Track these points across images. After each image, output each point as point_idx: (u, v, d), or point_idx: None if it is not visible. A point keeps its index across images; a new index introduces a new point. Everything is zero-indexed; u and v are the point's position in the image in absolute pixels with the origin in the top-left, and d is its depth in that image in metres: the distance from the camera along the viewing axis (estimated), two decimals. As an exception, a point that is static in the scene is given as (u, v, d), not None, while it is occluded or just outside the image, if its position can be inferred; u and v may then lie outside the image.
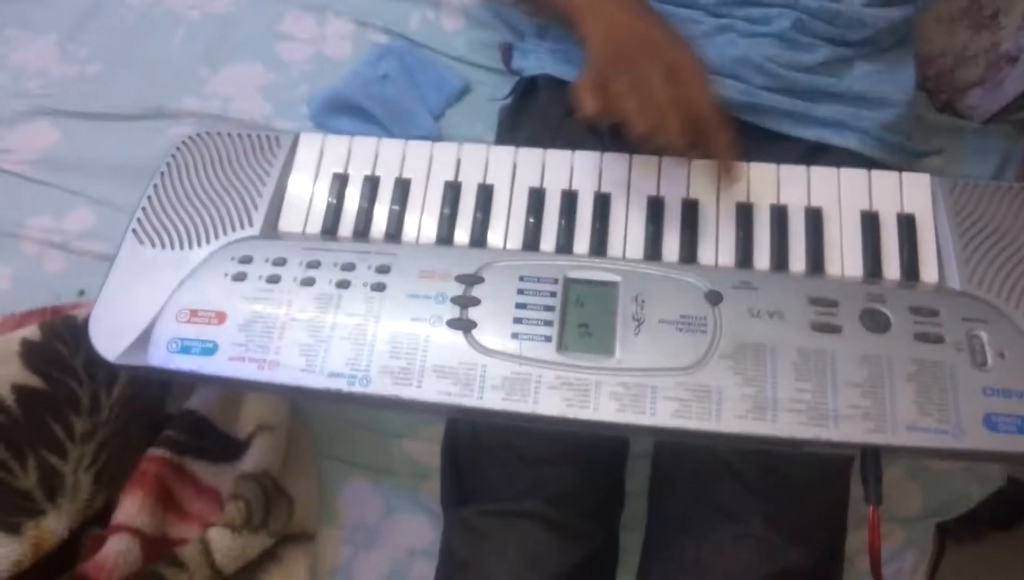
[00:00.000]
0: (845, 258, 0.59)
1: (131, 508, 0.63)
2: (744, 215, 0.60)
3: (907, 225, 0.60)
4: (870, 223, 0.60)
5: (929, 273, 0.59)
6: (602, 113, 0.55)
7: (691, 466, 0.64)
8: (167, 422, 0.68)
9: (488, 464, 0.65)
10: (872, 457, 0.52)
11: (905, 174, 0.62)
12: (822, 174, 0.62)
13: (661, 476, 0.68)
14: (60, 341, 0.67)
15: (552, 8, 0.68)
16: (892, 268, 0.59)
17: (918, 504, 0.74)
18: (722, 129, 0.56)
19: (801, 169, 0.62)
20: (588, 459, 0.65)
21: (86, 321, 0.62)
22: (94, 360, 0.59)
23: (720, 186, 0.61)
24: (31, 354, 0.66)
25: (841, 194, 0.61)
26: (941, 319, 0.55)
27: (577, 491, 0.64)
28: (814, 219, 0.60)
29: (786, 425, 0.51)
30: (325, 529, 0.73)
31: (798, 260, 0.59)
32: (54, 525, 0.62)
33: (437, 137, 0.87)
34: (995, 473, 0.76)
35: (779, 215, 0.60)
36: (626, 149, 0.63)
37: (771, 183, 0.62)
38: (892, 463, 0.73)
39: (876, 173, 0.62)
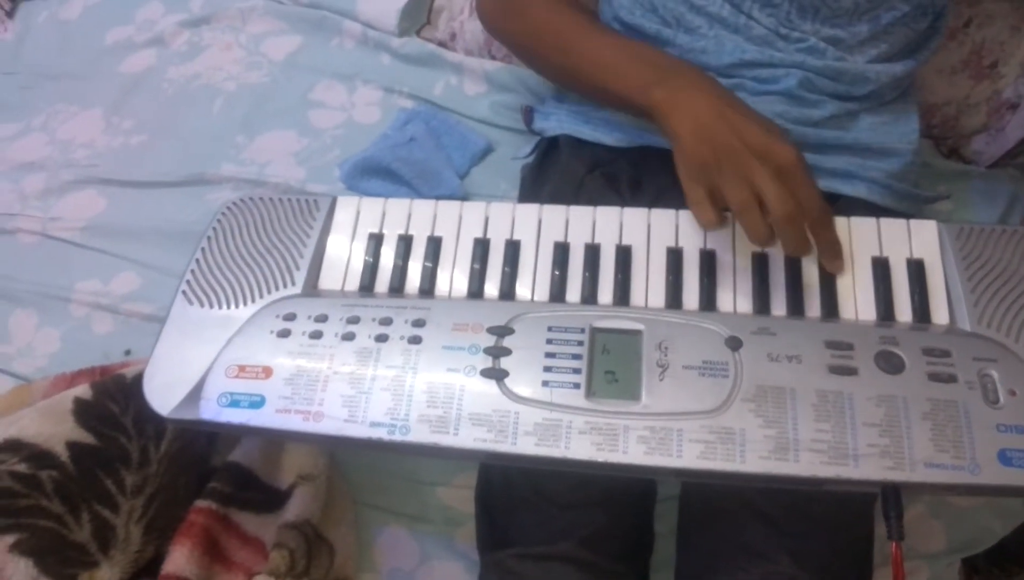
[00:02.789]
0: (859, 303, 0.62)
1: (180, 558, 0.66)
2: (760, 264, 0.63)
3: (916, 270, 0.62)
4: (881, 269, 0.62)
5: (940, 315, 0.61)
6: (720, 225, 0.60)
7: (718, 507, 0.65)
8: (212, 474, 0.71)
9: (521, 509, 0.67)
10: (893, 494, 0.54)
11: (913, 221, 0.64)
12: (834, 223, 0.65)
13: (689, 518, 0.70)
14: (110, 399, 0.71)
15: (622, 105, 0.69)
16: (904, 311, 0.61)
17: (942, 540, 0.75)
18: (827, 227, 0.59)
19: (813, 220, 0.65)
20: (618, 502, 0.67)
21: (134, 379, 0.66)
22: (143, 416, 0.63)
23: (734, 235, 0.64)
24: (83, 412, 0.69)
25: (852, 242, 0.64)
26: (953, 359, 0.57)
27: (608, 533, 0.65)
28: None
29: (808, 464, 0.54)
30: (363, 575, 0.75)
31: (813, 306, 0.62)
32: (107, 576, 0.65)
33: (463, 195, 0.91)
34: (1017, 508, 0.77)
35: (793, 263, 0.63)
36: (645, 203, 0.67)
37: (784, 233, 0.65)
38: (915, 500, 0.74)
39: (885, 221, 0.64)
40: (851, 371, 0.57)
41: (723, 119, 0.59)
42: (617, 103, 0.69)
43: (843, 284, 0.62)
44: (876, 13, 0.71)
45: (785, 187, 0.56)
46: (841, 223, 0.64)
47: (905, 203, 0.73)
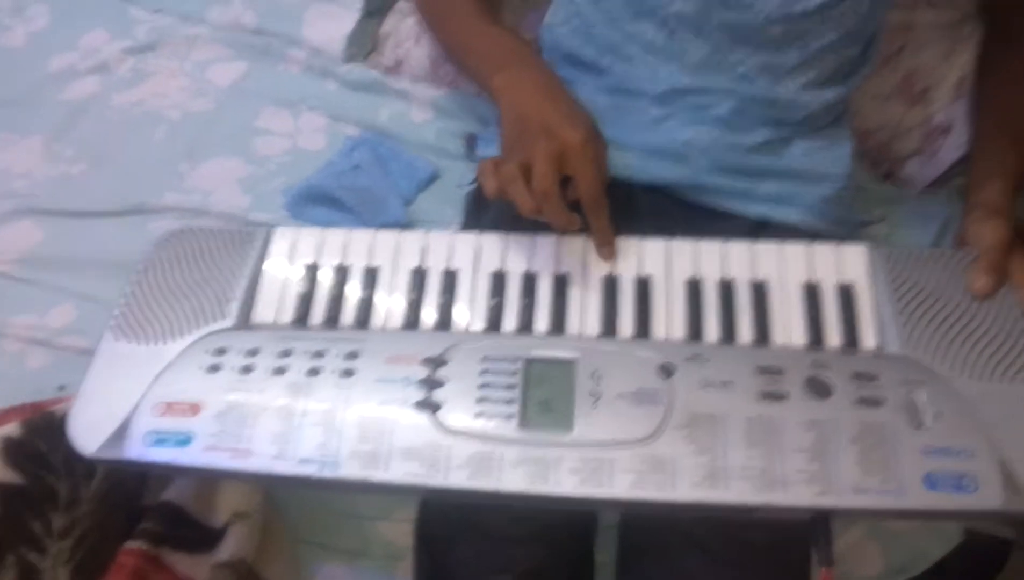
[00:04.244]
0: (790, 328, 0.63)
1: (110, 601, 0.64)
2: (693, 290, 0.64)
3: (846, 294, 0.63)
4: (811, 294, 0.63)
5: (869, 339, 0.62)
6: (497, 194, 0.62)
7: (656, 537, 0.65)
8: (144, 514, 0.69)
9: (459, 543, 0.66)
10: (821, 520, 0.54)
11: (843, 246, 0.65)
12: (765, 249, 0.65)
13: (628, 548, 0.69)
14: (40, 437, 0.69)
15: (481, 87, 0.75)
16: (834, 336, 0.62)
17: (879, 564, 0.75)
18: (596, 209, 0.62)
19: (746, 244, 0.66)
20: (557, 534, 0.67)
21: (64, 416, 0.64)
22: (73, 455, 0.61)
23: (671, 263, 0.65)
24: (12, 451, 0.67)
25: (784, 267, 0.65)
26: (881, 383, 0.57)
27: (547, 566, 0.65)
28: (759, 292, 0.63)
29: (738, 492, 0.54)
30: (303, 613, 0.74)
31: (745, 332, 0.62)
32: (33, 621, 0.63)
33: (408, 222, 0.91)
34: (953, 529, 0.78)
35: (726, 289, 0.64)
36: (583, 232, 0.67)
37: (717, 259, 0.65)
38: (852, 524, 0.75)
39: (816, 246, 0.65)
40: (781, 397, 0.57)
41: (535, 105, 0.65)
42: (479, 85, 0.77)
43: (774, 309, 0.63)
44: (805, 41, 0.72)
45: (552, 166, 0.60)
46: (772, 248, 0.66)
47: (840, 227, 0.74)
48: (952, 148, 0.89)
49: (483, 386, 0.59)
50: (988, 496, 0.53)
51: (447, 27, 0.84)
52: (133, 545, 0.66)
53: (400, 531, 0.74)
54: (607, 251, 0.64)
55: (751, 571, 0.62)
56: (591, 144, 0.62)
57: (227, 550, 0.67)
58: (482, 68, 0.73)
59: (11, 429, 0.68)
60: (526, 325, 0.64)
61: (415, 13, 1.01)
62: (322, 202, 0.93)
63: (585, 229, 0.64)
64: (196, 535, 0.69)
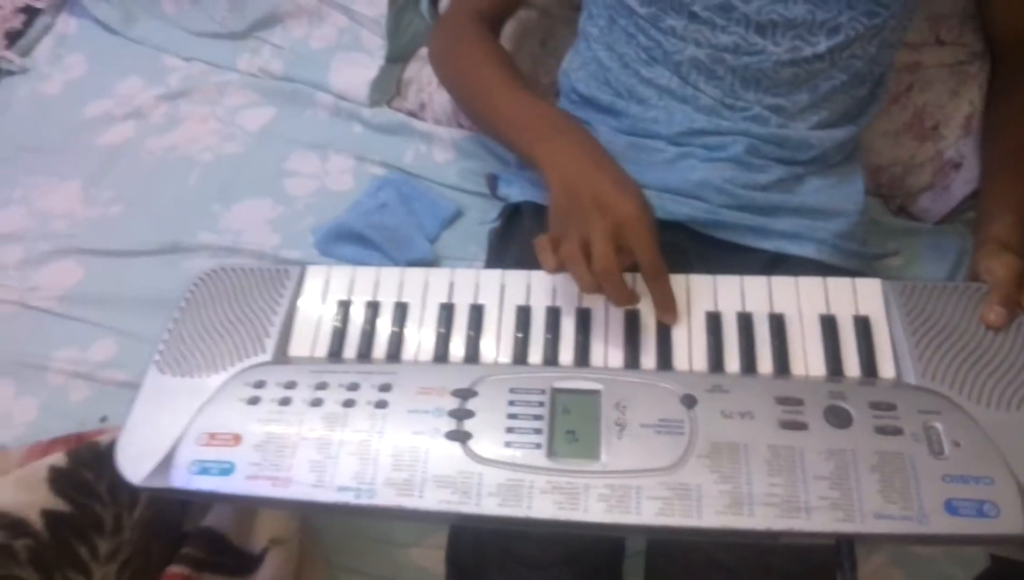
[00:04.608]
0: (808, 359, 0.64)
1: (152, 625, 0.66)
2: (713, 323, 0.66)
3: (863, 326, 0.65)
4: (829, 326, 0.65)
5: (886, 369, 0.63)
6: (556, 271, 0.64)
7: (682, 562, 0.67)
8: (185, 540, 0.72)
9: (490, 568, 0.68)
10: (846, 545, 0.56)
11: (858, 280, 0.67)
12: (782, 283, 0.67)
13: (654, 573, 0.71)
14: (85, 467, 0.71)
15: (517, 154, 0.76)
16: (852, 366, 0.64)
17: (903, 590, 0.76)
18: (658, 279, 0.64)
19: (762, 279, 0.68)
20: (586, 560, 0.68)
21: (109, 446, 0.67)
22: (117, 483, 0.63)
23: (689, 297, 0.67)
24: (58, 480, 0.70)
25: (800, 301, 0.67)
26: (899, 412, 0.59)
27: (576, 592, 0.67)
28: (777, 325, 0.65)
29: (762, 518, 0.55)
30: (336, 640, 0.75)
31: (765, 363, 0.64)
32: (79, 646, 0.65)
33: (433, 259, 0.94)
34: (978, 555, 0.78)
35: (745, 322, 0.66)
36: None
37: (736, 293, 0.67)
38: (876, 550, 0.76)
39: (831, 280, 0.67)
40: (801, 426, 0.59)
41: (585, 175, 0.65)
42: (514, 152, 0.77)
43: (793, 341, 0.65)
44: (815, 83, 0.75)
45: (611, 243, 0.61)
46: (789, 282, 0.68)
47: (853, 261, 0.76)
48: (963, 182, 0.91)
49: (511, 416, 0.61)
50: (1010, 521, 0.54)
51: (473, 92, 0.82)
52: (175, 569, 0.69)
53: (432, 557, 0.75)
54: (670, 317, 0.65)
55: (775, 597, 0.63)
56: (645, 214, 0.63)
57: (265, 575, 0.69)
58: (520, 137, 0.73)
59: (57, 459, 0.71)
60: (551, 358, 0.66)
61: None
62: (350, 240, 0.96)
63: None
64: (235, 560, 0.71)
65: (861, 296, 0.67)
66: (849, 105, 0.78)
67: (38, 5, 1.27)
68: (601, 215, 0.62)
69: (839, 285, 0.67)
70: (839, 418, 0.59)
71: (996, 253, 0.67)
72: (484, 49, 0.83)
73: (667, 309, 0.65)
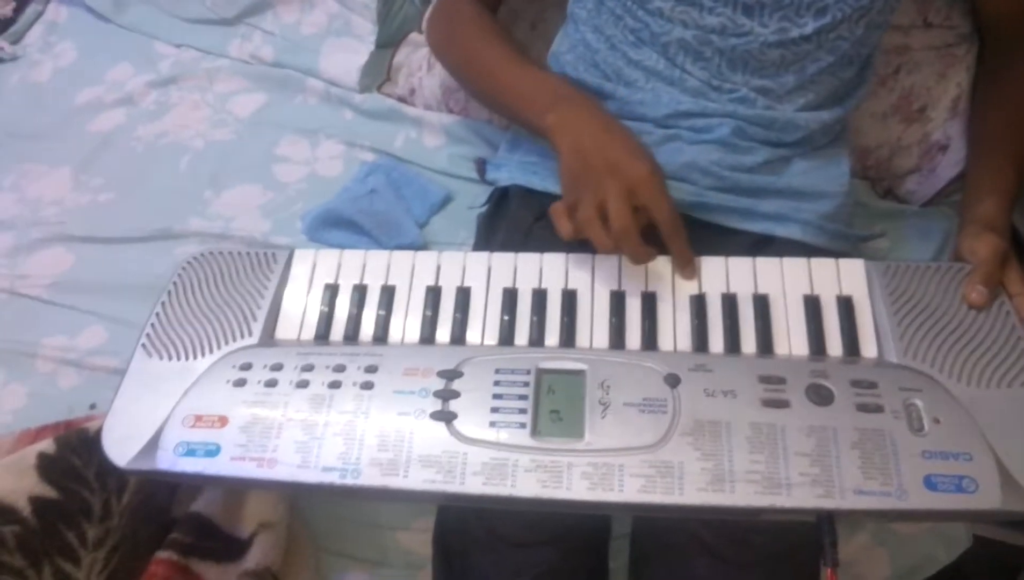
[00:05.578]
0: (792, 339, 0.65)
1: (141, 609, 0.67)
2: (698, 304, 0.66)
3: (845, 306, 0.65)
4: (812, 306, 0.66)
5: (869, 349, 0.64)
6: (575, 236, 0.65)
7: (666, 542, 0.67)
8: (174, 525, 0.72)
9: (476, 550, 0.68)
10: (826, 521, 0.56)
11: (841, 260, 0.68)
12: (766, 264, 0.68)
13: (639, 553, 0.71)
14: (73, 453, 0.72)
15: (526, 127, 0.77)
16: (835, 346, 0.64)
17: (887, 568, 0.77)
18: (676, 234, 0.65)
19: (747, 260, 0.68)
20: (571, 540, 0.68)
21: (97, 433, 0.67)
22: (105, 469, 0.64)
23: (674, 278, 0.67)
24: (47, 467, 0.70)
25: (784, 281, 0.67)
26: (880, 390, 0.60)
27: (562, 571, 0.67)
28: (761, 305, 0.66)
29: (743, 495, 0.56)
30: (325, 622, 0.76)
31: (749, 343, 0.65)
32: (68, 629, 0.65)
33: (423, 244, 0.94)
34: (961, 534, 0.79)
35: (730, 303, 0.66)
36: (589, 250, 0.70)
37: (721, 274, 0.68)
38: (860, 529, 0.76)
39: (815, 261, 0.68)
40: (783, 404, 0.59)
41: (595, 140, 0.67)
42: (524, 124, 0.77)
43: (777, 321, 0.65)
44: (802, 64, 0.75)
45: (627, 203, 0.63)
46: (773, 263, 0.68)
47: (839, 243, 0.76)
48: (950, 165, 0.91)
49: (496, 396, 0.61)
50: (988, 497, 0.55)
51: (480, 71, 0.82)
52: (163, 555, 0.69)
53: (419, 540, 0.76)
54: (689, 272, 0.67)
55: (759, 574, 0.64)
56: (658, 173, 0.65)
57: (253, 559, 0.69)
58: (528, 109, 0.74)
59: (46, 445, 0.71)
60: (537, 339, 0.66)
61: (426, 45, 1.05)
62: (339, 226, 0.96)
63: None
64: (223, 545, 0.72)
65: (844, 276, 0.67)
66: (836, 87, 0.78)
67: (28, -8, 1.27)
68: (615, 178, 0.64)
69: (823, 266, 0.68)
70: (821, 396, 0.60)
71: (979, 233, 0.68)
72: (484, 28, 0.84)
73: (686, 263, 0.67)
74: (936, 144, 0.92)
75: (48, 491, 0.69)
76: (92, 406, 0.84)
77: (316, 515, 0.78)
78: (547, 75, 0.78)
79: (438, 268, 0.71)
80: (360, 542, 0.77)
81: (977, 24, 0.90)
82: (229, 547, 0.72)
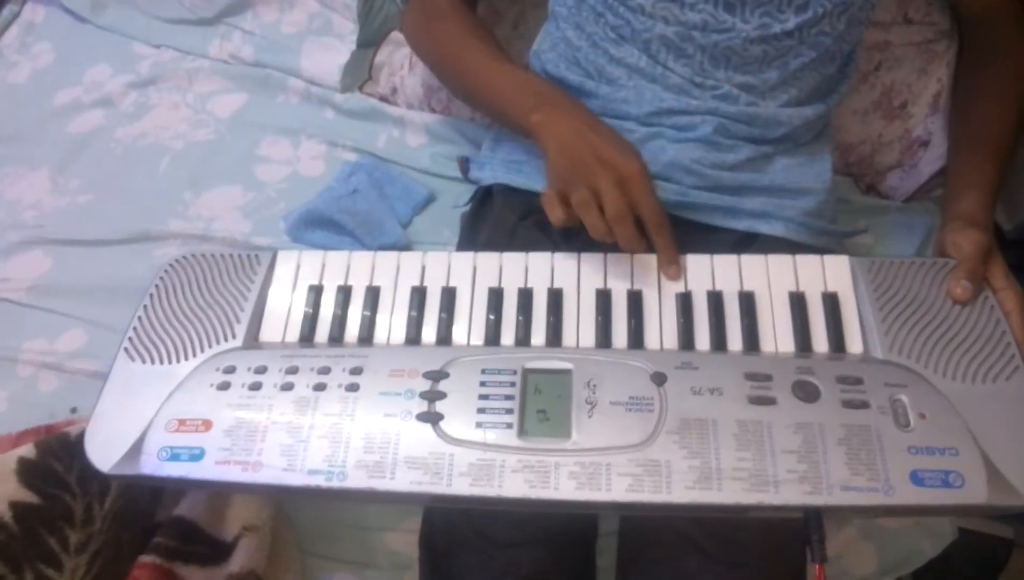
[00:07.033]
0: (778, 336, 0.65)
1: (124, 615, 0.66)
2: (684, 302, 0.66)
3: (831, 303, 0.66)
4: (797, 303, 0.66)
5: (854, 345, 0.64)
6: (567, 222, 0.66)
7: (653, 540, 0.67)
8: (157, 529, 0.71)
9: (463, 551, 0.68)
10: (814, 518, 0.56)
11: (826, 257, 0.68)
12: (751, 261, 0.68)
13: (627, 552, 0.71)
14: (54, 458, 0.71)
15: (509, 125, 0.77)
16: (821, 342, 0.64)
17: (873, 562, 0.77)
18: (662, 230, 0.66)
19: (732, 258, 0.68)
20: (558, 540, 0.68)
21: (79, 437, 0.66)
22: (87, 474, 0.63)
23: (660, 276, 0.67)
24: (27, 472, 0.69)
25: (770, 278, 0.67)
26: (865, 386, 0.60)
27: (550, 571, 0.67)
28: (747, 302, 0.66)
29: (731, 492, 0.56)
30: (312, 625, 0.75)
31: (735, 340, 0.65)
32: (50, 636, 0.65)
33: (406, 243, 0.94)
34: (946, 528, 0.80)
35: (715, 300, 0.66)
36: (575, 248, 0.70)
37: (706, 272, 0.68)
38: (846, 524, 0.77)
39: (800, 257, 0.68)
40: (770, 401, 0.59)
41: (582, 137, 0.68)
42: (506, 123, 0.78)
43: (762, 318, 0.66)
44: (784, 60, 0.75)
45: (620, 192, 0.64)
46: (758, 260, 0.68)
47: (822, 239, 0.77)
48: (931, 160, 0.92)
49: (483, 397, 0.61)
50: (974, 491, 0.55)
51: (460, 69, 0.82)
52: (147, 559, 0.68)
53: (406, 542, 0.75)
54: (674, 270, 0.67)
55: (748, 571, 0.64)
56: (645, 170, 0.66)
57: (237, 562, 0.69)
58: (512, 109, 0.74)
59: (26, 450, 0.70)
60: (523, 339, 0.66)
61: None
62: (322, 226, 0.95)
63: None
64: (208, 549, 0.71)
65: (829, 273, 0.67)
66: (818, 83, 0.78)
67: (3, -8, 1.25)
68: (606, 170, 0.65)
69: (808, 262, 0.68)
70: (807, 392, 0.60)
71: (962, 229, 0.68)
72: (465, 26, 0.84)
73: (670, 261, 0.67)
74: (917, 140, 0.93)
75: (29, 496, 0.68)
76: (73, 410, 0.82)
77: (302, 517, 0.77)
78: (529, 75, 0.78)
79: (423, 268, 0.71)
80: (346, 544, 0.77)
81: (956, 20, 0.90)
82: (213, 550, 0.72)
